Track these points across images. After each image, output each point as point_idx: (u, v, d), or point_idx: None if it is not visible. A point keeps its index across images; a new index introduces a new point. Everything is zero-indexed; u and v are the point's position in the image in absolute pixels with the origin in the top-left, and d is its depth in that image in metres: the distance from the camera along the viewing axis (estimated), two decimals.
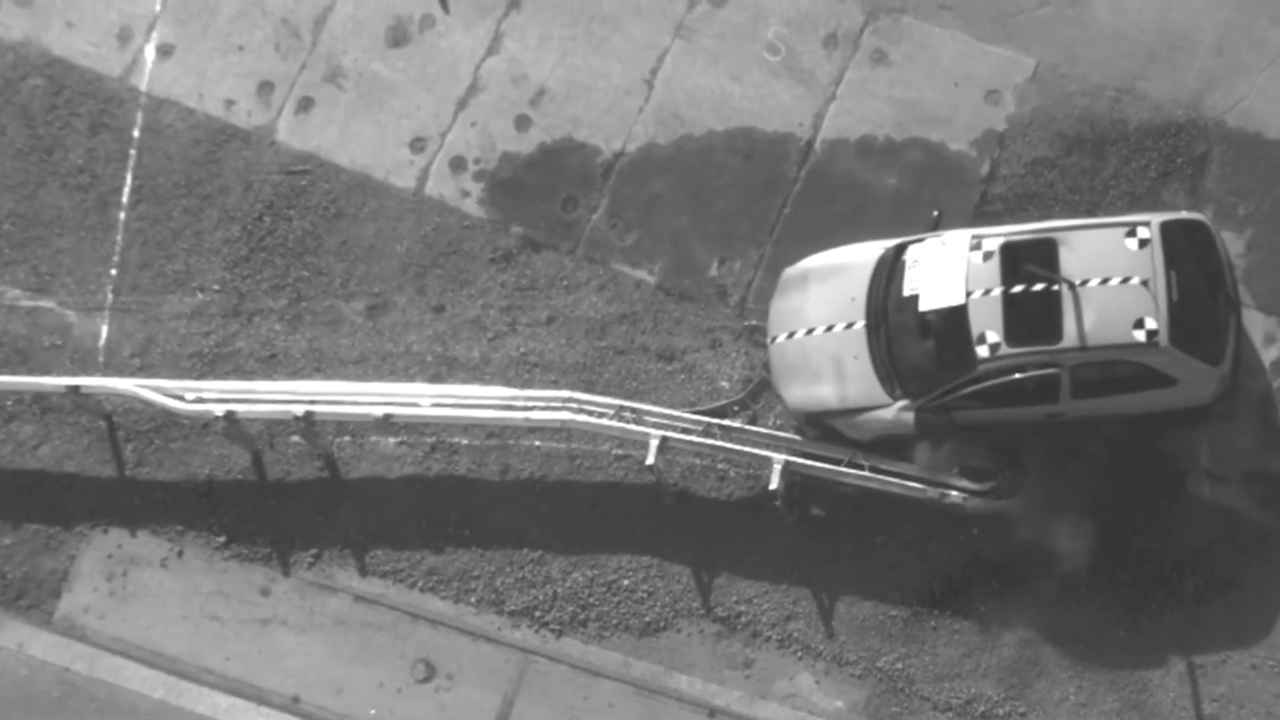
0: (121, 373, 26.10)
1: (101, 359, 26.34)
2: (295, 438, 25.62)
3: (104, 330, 26.46)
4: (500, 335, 26.00)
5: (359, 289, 26.31)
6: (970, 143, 26.02)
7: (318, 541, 25.59)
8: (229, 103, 27.15)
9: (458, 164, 26.67)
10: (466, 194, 26.60)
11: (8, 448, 26.21)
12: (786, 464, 24.12)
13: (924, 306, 23.79)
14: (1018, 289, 23.42)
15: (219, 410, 24.91)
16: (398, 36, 27.20)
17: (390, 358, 26.01)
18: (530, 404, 24.80)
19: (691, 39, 26.79)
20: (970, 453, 24.34)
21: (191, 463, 25.95)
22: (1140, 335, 23.18)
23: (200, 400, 25.14)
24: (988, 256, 23.65)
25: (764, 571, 24.98)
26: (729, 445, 24.50)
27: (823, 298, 24.59)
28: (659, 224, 26.20)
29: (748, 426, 24.92)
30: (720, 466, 25.19)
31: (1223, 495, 24.60)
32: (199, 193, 26.81)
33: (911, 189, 25.90)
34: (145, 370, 26.15)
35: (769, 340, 24.92)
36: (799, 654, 24.81)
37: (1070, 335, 23.18)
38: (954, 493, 24.16)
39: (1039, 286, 23.38)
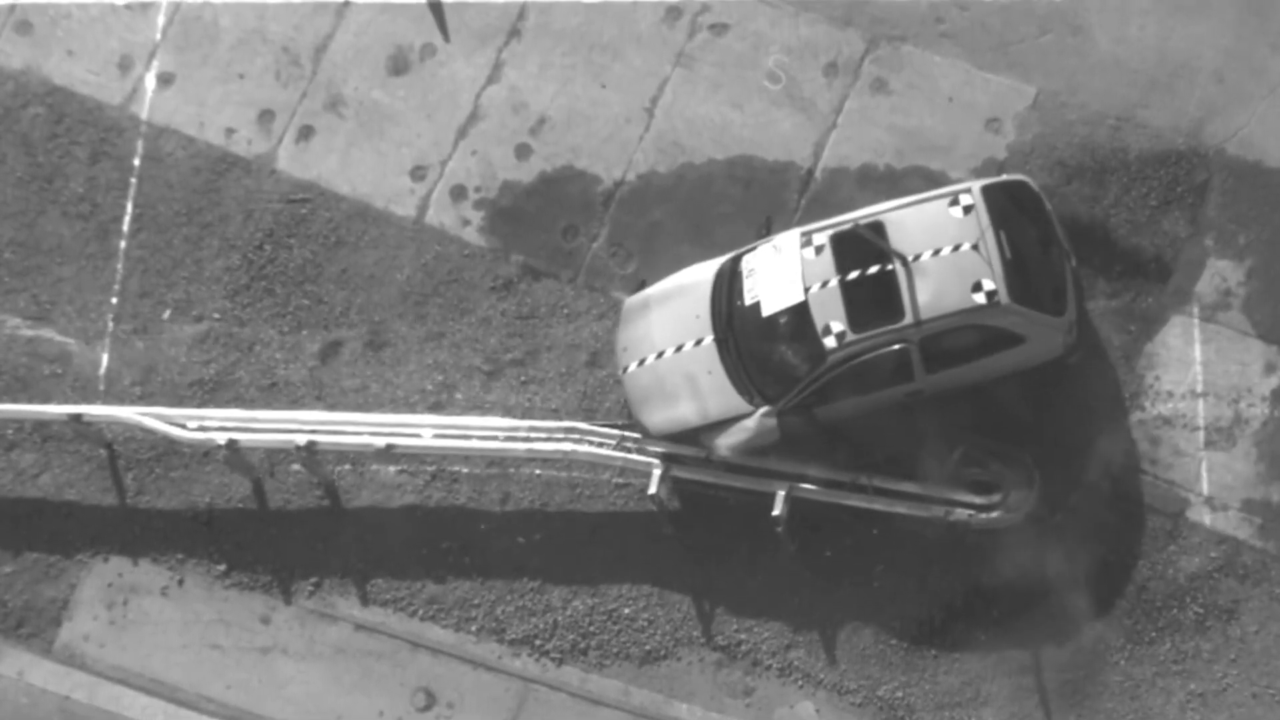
0: (122, 401, 26.11)
1: (102, 387, 26.33)
2: (296, 466, 25.62)
3: (105, 358, 26.45)
4: (501, 363, 26.00)
5: (359, 317, 26.31)
6: (971, 171, 26.01)
7: (318, 570, 25.59)
8: (229, 131, 27.16)
9: (458, 192, 26.68)
10: (467, 222, 26.60)
11: (8, 476, 26.21)
12: (789, 491, 24.15)
13: (768, 311, 24.03)
14: (854, 275, 23.68)
15: (220, 439, 24.93)
16: (398, 65, 27.22)
17: (391, 386, 26.01)
18: (533, 434, 24.81)
19: (692, 67, 26.81)
20: (974, 468, 24.34)
21: (192, 491, 25.94)
22: (980, 298, 23.44)
23: (202, 428, 25.16)
24: (819, 250, 23.94)
25: (765, 599, 24.98)
26: (730, 476, 24.51)
27: (667, 320, 24.76)
28: (660, 252, 26.19)
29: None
30: (722, 494, 25.17)
31: (1223, 523, 24.60)
32: (199, 221, 26.82)
33: None
34: (146, 398, 26.15)
35: (620, 372, 24.99)
36: (800, 682, 24.80)
37: (911, 310, 23.41)
38: (959, 509, 24.17)
39: (875, 269, 23.62)
